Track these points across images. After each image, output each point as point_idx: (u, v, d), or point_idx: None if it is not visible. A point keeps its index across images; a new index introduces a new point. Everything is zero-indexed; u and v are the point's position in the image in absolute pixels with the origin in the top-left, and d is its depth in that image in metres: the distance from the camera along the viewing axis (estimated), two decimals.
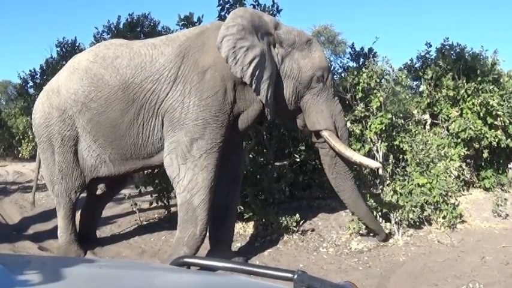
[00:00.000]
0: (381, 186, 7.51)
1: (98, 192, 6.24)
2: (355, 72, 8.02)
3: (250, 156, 7.96)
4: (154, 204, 8.02)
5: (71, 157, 5.86)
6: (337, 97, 5.98)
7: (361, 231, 6.68)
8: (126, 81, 5.44)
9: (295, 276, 1.64)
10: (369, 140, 7.58)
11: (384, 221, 6.75)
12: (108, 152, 5.74)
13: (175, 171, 5.33)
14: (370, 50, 9.43)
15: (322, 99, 5.69)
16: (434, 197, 6.92)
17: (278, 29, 5.60)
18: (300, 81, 5.59)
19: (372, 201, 6.82)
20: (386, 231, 6.60)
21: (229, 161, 5.77)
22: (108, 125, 5.57)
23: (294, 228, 6.86)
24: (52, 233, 6.71)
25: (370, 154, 7.61)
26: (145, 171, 7.76)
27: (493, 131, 8.94)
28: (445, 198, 7.15)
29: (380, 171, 7.56)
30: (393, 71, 8.38)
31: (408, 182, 7.10)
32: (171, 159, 5.34)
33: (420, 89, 10.36)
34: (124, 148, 5.66)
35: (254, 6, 8.08)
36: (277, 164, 8.16)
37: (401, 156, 7.76)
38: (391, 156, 7.58)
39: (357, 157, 5.82)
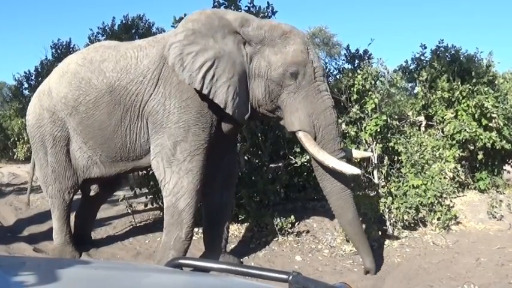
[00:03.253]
0: (375, 188, 7.52)
1: (91, 193, 6.24)
2: (350, 74, 8.04)
3: (245, 158, 7.96)
4: (149, 206, 8.00)
5: (63, 157, 5.87)
6: (325, 94, 5.31)
7: None
8: (112, 85, 5.41)
9: (290, 278, 1.65)
10: (364, 141, 7.59)
11: (378, 223, 6.76)
12: (98, 153, 5.75)
13: (162, 174, 5.29)
14: (365, 51, 9.46)
15: (299, 98, 5.19)
16: (429, 198, 6.93)
17: (247, 26, 5.22)
18: (270, 79, 5.17)
19: (367, 202, 6.83)
20: (379, 233, 6.60)
21: (221, 162, 5.75)
22: (97, 127, 5.57)
23: (289, 230, 6.87)
24: (47, 235, 6.70)
25: None
26: (140, 173, 7.76)
27: (487, 132, 8.95)
28: (440, 199, 7.17)
29: (375, 173, 7.57)
30: (388, 72, 8.39)
31: (403, 184, 7.11)
32: (158, 162, 5.29)
33: (415, 91, 10.41)
34: (113, 150, 5.65)
35: (249, 8, 8.08)
36: (272, 165, 8.17)
37: (396, 157, 7.77)
38: (386, 157, 7.59)
39: (330, 161, 5.14)
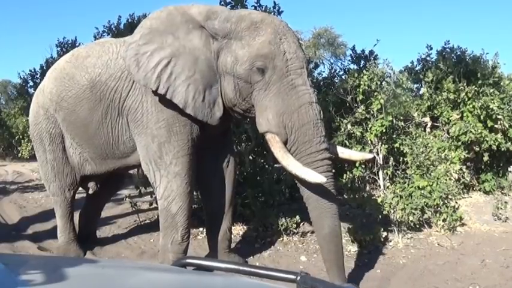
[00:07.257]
0: (381, 189, 7.51)
1: (90, 191, 6.23)
2: (356, 75, 8.03)
3: (250, 158, 7.95)
4: (154, 205, 8.00)
5: (60, 154, 5.87)
6: (302, 88, 4.54)
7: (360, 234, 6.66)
8: (93, 80, 5.31)
9: (298, 278, 1.64)
10: (370, 142, 7.59)
11: (383, 224, 6.75)
12: (86, 150, 5.71)
13: (152, 177, 5.17)
14: (371, 52, 9.47)
15: (270, 95, 4.56)
16: (434, 199, 6.91)
17: (213, 19, 4.78)
18: (238, 76, 4.64)
19: (372, 203, 6.81)
20: (385, 234, 6.58)
21: (217, 162, 5.63)
22: (79, 124, 5.52)
23: (294, 230, 6.85)
24: (51, 233, 6.70)
25: None
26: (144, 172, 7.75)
27: (493, 134, 8.95)
28: (445, 201, 7.14)
29: (380, 174, 7.55)
30: (394, 73, 8.42)
31: (408, 185, 7.09)
32: (147, 164, 5.15)
33: (421, 92, 10.40)
34: (98, 147, 5.58)
35: (255, 8, 8.08)
36: (277, 165, 8.14)
37: (401, 158, 7.77)
38: (392, 158, 7.58)
39: (293, 167, 4.45)
